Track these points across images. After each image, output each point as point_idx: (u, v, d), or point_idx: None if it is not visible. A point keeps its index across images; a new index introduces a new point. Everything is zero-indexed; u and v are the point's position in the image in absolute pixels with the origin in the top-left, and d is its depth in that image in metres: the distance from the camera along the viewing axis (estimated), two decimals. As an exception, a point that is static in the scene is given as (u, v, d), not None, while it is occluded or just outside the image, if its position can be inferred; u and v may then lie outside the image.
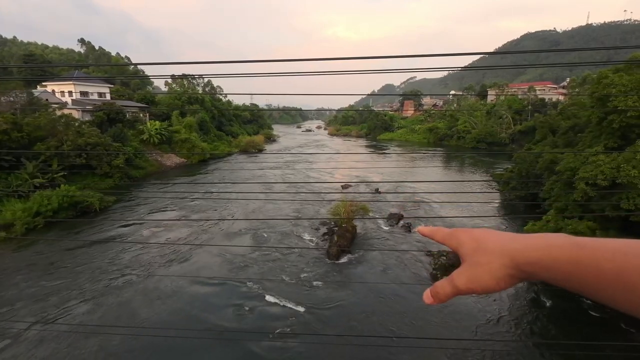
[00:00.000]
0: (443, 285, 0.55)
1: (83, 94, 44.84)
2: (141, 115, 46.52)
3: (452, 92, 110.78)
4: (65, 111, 32.66)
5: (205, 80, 78.14)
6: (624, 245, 0.41)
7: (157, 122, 44.43)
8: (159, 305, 12.39)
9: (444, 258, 15.07)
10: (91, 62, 75.88)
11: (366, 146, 70.35)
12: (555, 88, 74.37)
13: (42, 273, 14.59)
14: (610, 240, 0.43)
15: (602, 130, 16.67)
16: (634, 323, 11.19)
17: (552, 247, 0.46)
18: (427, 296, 0.58)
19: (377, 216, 21.63)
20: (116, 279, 14.07)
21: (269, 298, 12.87)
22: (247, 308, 12.28)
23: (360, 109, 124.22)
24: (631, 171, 12.83)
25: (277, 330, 11.08)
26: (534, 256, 0.47)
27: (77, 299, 12.64)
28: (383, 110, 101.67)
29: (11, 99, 30.14)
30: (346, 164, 43.17)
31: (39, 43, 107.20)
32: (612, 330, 11.12)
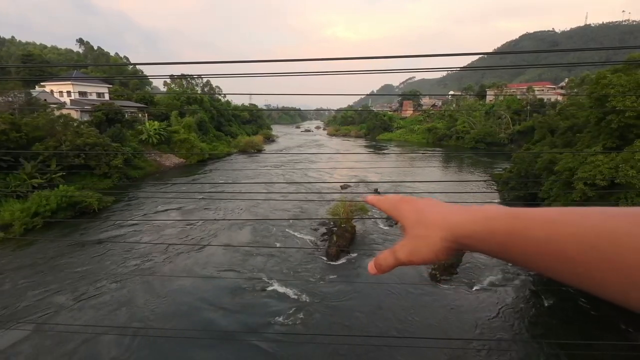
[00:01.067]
0: (385, 257, 0.57)
1: (82, 94, 44.79)
2: (140, 115, 46.48)
3: (451, 92, 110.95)
4: (64, 111, 32.59)
5: (204, 80, 78.15)
6: (554, 213, 0.42)
7: (156, 122, 44.36)
8: (158, 305, 12.36)
9: (443, 258, 15.06)
10: (90, 62, 75.75)
11: (365, 146, 70.37)
12: (554, 88, 74.50)
13: (41, 273, 14.55)
14: (543, 209, 0.44)
15: (601, 130, 16.71)
16: (632, 322, 11.21)
17: (488, 219, 0.47)
18: (371, 267, 0.59)
19: (377, 216, 21.64)
20: (115, 279, 14.04)
21: (267, 298, 12.86)
22: (245, 308, 12.26)
23: (359, 109, 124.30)
24: (629, 171, 12.87)
25: (276, 330, 11.08)
26: (472, 229, 0.48)
27: (75, 299, 12.60)
28: (382, 111, 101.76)
29: (9, 99, 30.08)
30: (345, 164, 43.19)
31: (38, 43, 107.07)
32: (611, 330, 11.14)
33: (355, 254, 16.59)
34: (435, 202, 0.57)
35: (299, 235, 19.20)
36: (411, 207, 0.58)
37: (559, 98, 60.75)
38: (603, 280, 0.36)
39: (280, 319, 11.72)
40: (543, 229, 0.41)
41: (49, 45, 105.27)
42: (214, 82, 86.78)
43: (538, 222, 0.42)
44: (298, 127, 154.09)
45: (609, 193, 13.44)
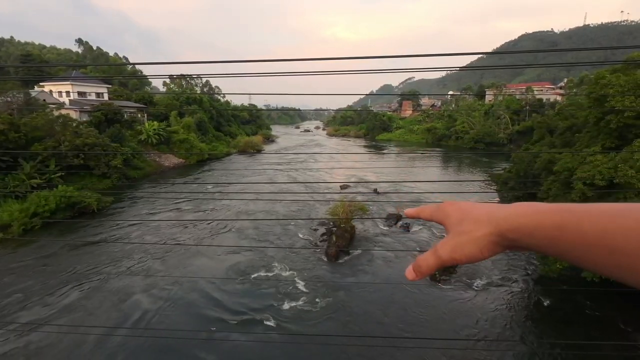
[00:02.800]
0: (426, 257, 0.54)
1: (81, 94, 44.73)
2: (139, 115, 46.42)
3: (451, 92, 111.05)
4: (63, 111, 32.53)
5: (204, 80, 78.10)
6: (608, 207, 0.41)
7: (155, 122, 44.32)
8: (157, 305, 12.34)
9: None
10: (89, 62, 75.63)
11: (364, 146, 70.41)
12: (553, 88, 74.62)
13: (39, 274, 14.52)
14: (595, 204, 0.43)
15: (600, 130, 16.72)
16: (631, 323, 11.22)
17: (537, 213, 0.46)
18: (409, 272, 0.57)
19: (376, 216, 21.65)
20: (113, 280, 14.02)
21: (266, 298, 12.85)
22: (244, 308, 12.26)
23: (359, 109, 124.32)
24: (628, 171, 12.87)
25: (274, 330, 11.07)
26: (519, 222, 0.47)
27: (73, 300, 12.58)
28: (381, 111, 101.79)
29: (8, 99, 30.00)
30: (344, 164, 43.19)
31: (37, 43, 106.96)
32: (610, 330, 11.15)
33: (354, 254, 16.58)
34: (478, 203, 0.56)
35: (298, 236, 19.19)
36: (455, 207, 0.57)
37: (558, 98, 60.84)
38: None
39: (279, 318, 11.71)
40: (599, 222, 0.40)
41: (48, 45, 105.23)
42: (213, 82, 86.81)
43: (594, 215, 0.41)
44: (297, 127, 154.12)
45: (607, 193, 13.45)
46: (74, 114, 36.33)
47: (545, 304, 12.66)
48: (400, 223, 20.60)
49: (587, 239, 0.40)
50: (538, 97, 64.13)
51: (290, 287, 13.63)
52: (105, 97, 47.86)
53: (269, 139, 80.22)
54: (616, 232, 0.38)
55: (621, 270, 0.38)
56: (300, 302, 12.66)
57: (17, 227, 18.60)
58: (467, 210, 0.54)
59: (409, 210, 0.67)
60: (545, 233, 0.44)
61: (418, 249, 16.89)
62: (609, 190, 13.57)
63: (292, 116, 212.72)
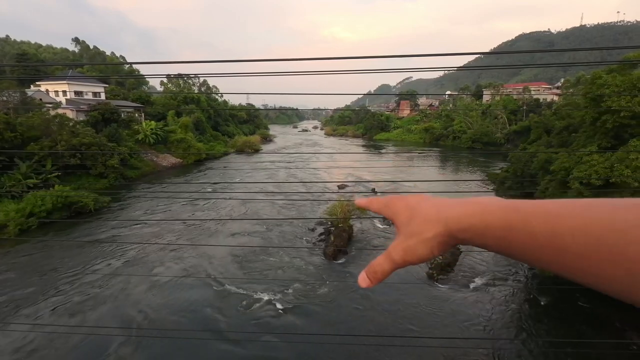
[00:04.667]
0: (380, 263, 0.53)
1: (77, 93, 44.47)
2: (136, 115, 46.22)
3: (448, 92, 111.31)
4: (60, 111, 32.33)
5: (201, 80, 77.86)
6: (557, 206, 0.40)
7: (152, 122, 44.14)
8: (154, 304, 12.30)
9: (440, 257, 15.13)
10: (86, 62, 75.32)
11: (362, 146, 70.47)
12: (550, 88, 74.96)
13: (37, 274, 14.43)
14: (545, 202, 0.42)
15: (596, 130, 16.81)
16: (627, 321, 11.30)
17: (485, 213, 0.45)
18: (363, 279, 0.54)
19: (374, 216, 21.66)
20: (112, 280, 13.95)
21: (264, 298, 12.84)
22: (242, 308, 12.24)
23: (357, 109, 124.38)
24: (624, 170, 12.96)
25: (271, 330, 11.06)
26: (469, 222, 0.46)
27: (72, 300, 12.52)
28: (379, 110, 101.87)
29: (4, 98, 29.79)
30: (342, 163, 43.20)
31: (33, 42, 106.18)
32: (606, 329, 11.23)
33: (352, 254, 16.60)
34: (428, 197, 0.55)
35: (296, 235, 19.18)
36: (403, 204, 0.55)
37: (555, 98, 61.12)
38: (609, 275, 0.35)
39: (277, 318, 11.70)
40: (546, 223, 0.39)
41: (44, 45, 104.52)
42: (211, 81, 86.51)
43: (540, 215, 0.40)
44: (295, 127, 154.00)
45: (604, 192, 13.53)
46: (70, 114, 36.12)
47: (541, 303, 12.73)
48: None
49: (537, 239, 0.40)
50: (535, 97, 64.38)
51: (288, 287, 13.62)
52: (102, 96, 47.60)
53: (267, 139, 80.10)
54: (565, 233, 0.38)
55: (571, 270, 0.38)
56: (297, 302, 12.66)
57: (13, 227, 18.48)
58: (415, 208, 0.53)
59: (359, 200, 0.66)
60: (494, 233, 0.44)
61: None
62: (605, 189, 13.66)
63: (290, 116, 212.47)
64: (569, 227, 0.37)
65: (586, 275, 0.37)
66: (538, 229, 0.40)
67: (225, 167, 42.06)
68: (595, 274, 0.36)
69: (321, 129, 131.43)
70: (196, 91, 75.16)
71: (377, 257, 0.53)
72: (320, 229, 19.36)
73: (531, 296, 13.23)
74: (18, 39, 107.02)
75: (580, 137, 18.51)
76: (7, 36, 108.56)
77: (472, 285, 13.80)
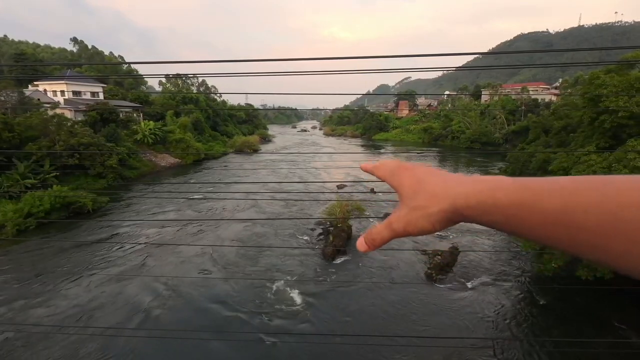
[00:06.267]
0: (380, 230, 0.54)
1: (75, 93, 44.35)
2: (135, 115, 46.13)
3: (447, 92, 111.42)
4: (58, 111, 32.23)
5: (200, 80, 77.77)
6: (570, 182, 0.40)
7: (151, 122, 44.06)
8: (152, 304, 12.28)
9: (439, 257, 15.15)
10: (84, 62, 75.15)
11: (361, 146, 70.49)
12: (548, 88, 75.13)
13: (35, 274, 14.38)
14: (556, 179, 0.41)
15: (594, 130, 16.85)
16: (625, 320, 11.34)
17: (495, 189, 0.44)
18: (361, 244, 0.56)
19: (373, 216, 21.66)
20: (111, 280, 13.92)
21: (263, 298, 12.83)
22: (241, 308, 12.23)
23: (356, 109, 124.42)
24: (622, 170, 12.99)
25: (270, 330, 11.05)
26: (477, 199, 0.45)
27: (70, 300, 12.49)
28: (378, 110, 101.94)
29: (2, 98, 29.71)
30: (341, 163, 43.20)
31: (31, 42, 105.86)
32: (604, 328, 11.26)
33: (351, 254, 16.60)
34: (436, 170, 0.54)
35: (295, 235, 19.18)
36: (410, 175, 0.54)
37: (553, 98, 61.27)
38: (623, 252, 0.34)
39: (275, 318, 11.70)
40: (560, 199, 0.39)
41: (42, 44, 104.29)
42: (210, 81, 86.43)
43: (552, 191, 0.40)
44: (294, 127, 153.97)
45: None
46: (68, 114, 36.02)
47: (540, 302, 12.75)
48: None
49: (547, 216, 0.39)
50: (533, 97, 64.54)
51: (287, 287, 13.62)
52: (101, 96, 47.49)
53: (266, 139, 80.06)
54: (576, 209, 0.37)
55: (583, 248, 0.38)
56: (296, 302, 12.66)
57: (11, 228, 18.42)
58: (422, 181, 0.52)
59: (364, 165, 0.65)
60: (504, 211, 0.43)
61: (415, 248, 16.94)
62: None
63: (288, 116, 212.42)
64: (582, 204, 0.37)
65: (599, 252, 0.36)
66: (550, 206, 0.39)
67: (224, 167, 42.02)
68: (609, 251, 0.35)
69: (320, 129, 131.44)
70: (195, 91, 75.06)
71: (377, 224, 0.54)
72: (319, 229, 19.36)
73: (530, 295, 13.26)
74: (16, 39, 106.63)
75: (579, 137, 18.56)
76: (5, 36, 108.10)
77: (470, 285, 13.82)
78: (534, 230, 0.41)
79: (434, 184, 0.51)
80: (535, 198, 0.41)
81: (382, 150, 62.09)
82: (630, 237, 0.33)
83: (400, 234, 0.52)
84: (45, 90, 42.96)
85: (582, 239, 0.37)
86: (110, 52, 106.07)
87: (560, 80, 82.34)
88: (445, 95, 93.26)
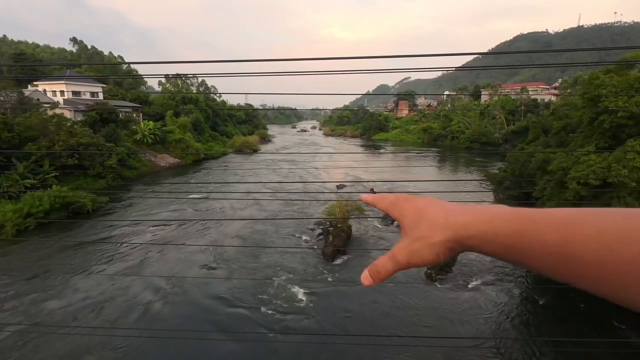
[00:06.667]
0: (384, 263, 0.54)
1: (75, 93, 44.32)
2: (134, 115, 46.11)
3: (446, 92, 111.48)
4: (57, 111, 32.21)
5: (199, 80, 77.75)
6: (568, 214, 0.41)
7: (150, 122, 44.04)
8: (151, 305, 12.27)
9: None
10: (83, 62, 75.08)
11: (361, 146, 70.51)
12: (548, 89, 75.19)
13: (34, 274, 14.37)
14: (556, 210, 0.42)
15: (594, 130, 16.86)
16: (625, 320, 11.35)
17: (495, 220, 0.45)
18: (365, 277, 0.56)
19: (372, 216, 21.67)
20: (110, 280, 13.91)
21: (262, 298, 12.83)
22: (240, 308, 12.22)
23: (355, 109, 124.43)
24: (621, 170, 13.00)
25: (270, 330, 11.05)
26: (477, 229, 0.46)
27: (69, 300, 12.47)
28: (378, 111, 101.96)
29: (1, 98, 29.70)
30: (341, 163, 43.21)
31: (30, 42, 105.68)
32: (604, 327, 11.27)
33: (351, 254, 16.60)
34: (436, 200, 0.55)
35: (294, 235, 19.18)
36: (411, 206, 0.55)
37: (553, 98, 61.32)
38: (621, 284, 0.34)
39: (275, 318, 11.70)
40: (558, 232, 0.39)
41: (41, 44, 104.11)
42: (209, 81, 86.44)
43: (551, 223, 0.40)
44: (294, 127, 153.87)
45: (601, 192, 13.59)
46: (68, 114, 35.99)
47: (540, 302, 12.77)
48: (396, 222, 20.61)
49: (547, 247, 0.40)
50: (533, 97, 64.58)
51: (287, 287, 13.62)
52: (100, 96, 47.45)
53: (266, 139, 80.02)
54: (576, 241, 0.37)
55: (582, 280, 0.38)
56: (296, 302, 12.66)
57: (11, 228, 18.40)
58: (422, 211, 0.53)
59: (365, 196, 0.66)
60: (504, 241, 0.44)
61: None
62: (603, 189, 13.71)
63: (288, 116, 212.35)
64: (580, 236, 0.37)
65: (597, 285, 0.37)
66: (549, 237, 0.39)
67: (223, 167, 42.01)
68: (606, 283, 0.36)
69: (320, 129, 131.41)
70: (194, 91, 75.03)
71: (381, 257, 0.54)
72: (319, 229, 19.36)
73: (529, 296, 13.27)
74: (15, 39, 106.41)
75: (578, 137, 18.57)
76: (5, 36, 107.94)
77: (470, 285, 13.83)
78: (534, 261, 0.42)
79: (435, 214, 0.51)
80: (534, 228, 0.41)
81: (381, 150, 62.10)
82: (626, 270, 0.34)
83: (404, 266, 0.52)
84: (44, 90, 42.93)
85: (580, 270, 0.37)
86: (110, 52, 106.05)
87: (560, 80, 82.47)
88: (445, 96, 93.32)
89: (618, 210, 0.38)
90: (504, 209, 0.46)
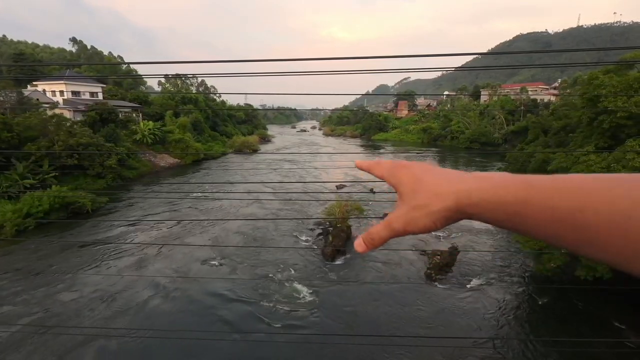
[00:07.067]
0: (378, 230, 0.52)
1: (75, 93, 44.28)
2: (134, 115, 46.09)
3: (446, 92, 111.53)
4: (57, 111, 32.19)
5: (199, 80, 77.73)
6: (578, 181, 0.39)
7: (150, 122, 44.01)
8: (151, 305, 12.27)
9: (439, 257, 15.16)
10: (83, 62, 75.07)
11: (361, 146, 70.52)
12: (547, 89, 75.25)
13: (33, 275, 14.36)
14: (563, 176, 0.41)
15: (593, 130, 16.88)
16: (624, 320, 11.36)
17: (498, 187, 0.44)
18: (359, 244, 0.54)
19: (372, 216, 21.67)
20: (110, 280, 13.90)
21: (262, 298, 12.83)
22: (240, 308, 12.23)
23: (355, 109, 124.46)
24: (621, 170, 13.02)
25: (269, 330, 11.05)
26: (479, 197, 0.44)
27: (69, 300, 12.47)
28: (377, 111, 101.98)
29: (1, 98, 29.67)
30: (341, 163, 43.20)
31: (30, 42, 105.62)
32: (604, 328, 11.28)
33: (351, 254, 16.60)
34: (434, 167, 0.53)
35: (294, 236, 19.18)
36: (409, 173, 0.53)
37: (552, 98, 61.36)
38: (634, 252, 0.33)
39: (275, 318, 11.70)
40: (568, 199, 0.38)
41: (41, 44, 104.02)
42: (209, 81, 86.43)
43: (559, 190, 0.39)
44: (294, 127, 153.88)
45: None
46: (67, 114, 35.96)
47: (540, 302, 12.77)
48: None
49: (554, 215, 0.38)
50: (532, 97, 64.63)
51: (287, 287, 13.62)
52: (100, 96, 47.41)
53: (265, 139, 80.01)
54: (587, 208, 0.36)
55: (590, 247, 0.37)
56: (296, 302, 12.65)
57: (10, 228, 18.38)
58: (421, 179, 0.51)
59: (360, 162, 0.64)
60: (508, 209, 0.42)
61: (413, 248, 16.94)
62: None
63: (288, 116, 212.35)
64: (593, 203, 0.36)
65: (607, 253, 0.36)
66: (556, 204, 0.38)
67: (223, 167, 42.00)
68: (618, 251, 0.35)
69: (319, 129, 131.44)
70: (194, 91, 75.02)
71: (376, 224, 0.53)
72: (318, 229, 19.35)
73: (529, 295, 13.28)
74: (15, 39, 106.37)
75: (578, 137, 18.58)
76: (4, 36, 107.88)
77: (470, 285, 13.84)
78: (538, 228, 0.41)
79: (435, 182, 0.49)
80: (542, 196, 0.40)
81: (381, 150, 62.10)
82: None
83: (400, 233, 0.51)
84: (44, 90, 42.87)
85: (589, 238, 0.36)
86: (110, 52, 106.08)
87: (559, 80, 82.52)
88: (445, 96, 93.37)
89: (633, 175, 0.36)
90: (507, 177, 0.45)
